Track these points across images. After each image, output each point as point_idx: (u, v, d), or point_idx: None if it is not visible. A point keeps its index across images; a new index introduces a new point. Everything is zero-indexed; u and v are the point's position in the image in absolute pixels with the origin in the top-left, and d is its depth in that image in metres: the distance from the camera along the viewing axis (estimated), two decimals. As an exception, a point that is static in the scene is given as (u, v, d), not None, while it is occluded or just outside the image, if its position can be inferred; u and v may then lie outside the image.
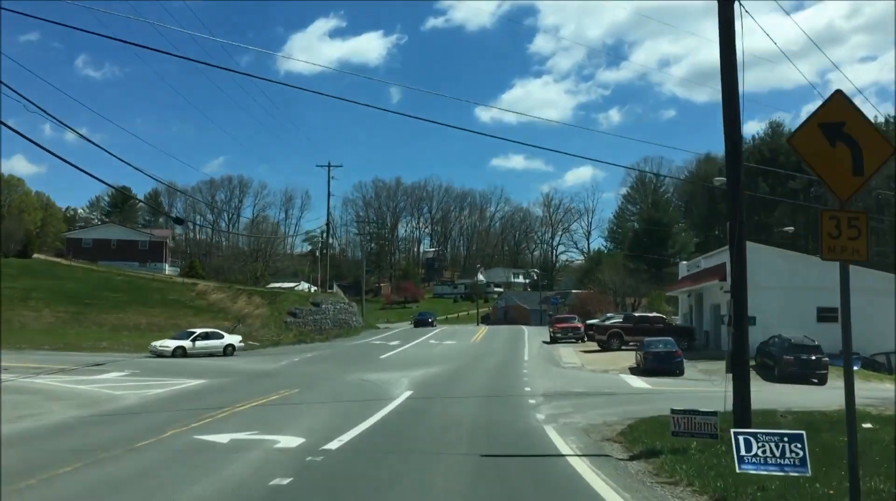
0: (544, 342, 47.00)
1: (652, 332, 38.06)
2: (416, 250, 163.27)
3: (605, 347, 39.84)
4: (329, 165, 71.84)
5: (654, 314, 43.42)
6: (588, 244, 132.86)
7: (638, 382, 26.51)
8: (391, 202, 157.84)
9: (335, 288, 75.99)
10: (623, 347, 39.41)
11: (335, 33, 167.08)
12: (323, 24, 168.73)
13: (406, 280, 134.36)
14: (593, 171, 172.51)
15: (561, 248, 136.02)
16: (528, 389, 23.36)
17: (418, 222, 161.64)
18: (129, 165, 34.82)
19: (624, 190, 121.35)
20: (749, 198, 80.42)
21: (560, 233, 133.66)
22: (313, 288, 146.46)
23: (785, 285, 34.62)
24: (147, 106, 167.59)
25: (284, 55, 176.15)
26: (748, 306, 11.65)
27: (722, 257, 39.38)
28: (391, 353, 40.46)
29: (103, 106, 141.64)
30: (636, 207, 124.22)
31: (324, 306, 60.37)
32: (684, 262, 49.87)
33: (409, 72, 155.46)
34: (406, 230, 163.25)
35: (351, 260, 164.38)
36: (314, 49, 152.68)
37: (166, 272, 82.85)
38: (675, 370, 30.24)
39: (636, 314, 41.55)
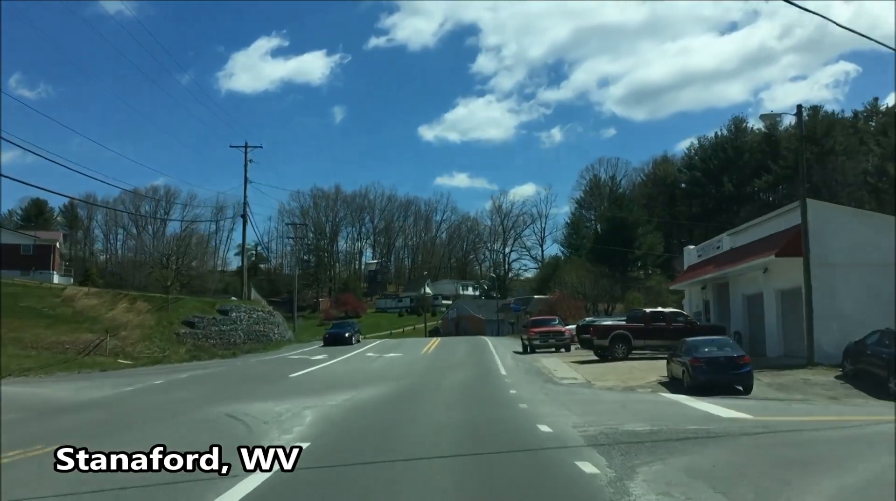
0: (516, 353, 35.89)
1: (671, 333, 27.42)
2: (357, 262, 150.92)
3: (605, 355, 28.87)
4: (245, 146, 59.56)
5: (671, 309, 32.56)
6: (542, 251, 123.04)
7: (716, 408, 15.31)
8: (330, 212, 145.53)
9: (253, 295, 63.01)
10: (631, 354, 28.57)
11: (277, 52, 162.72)
12: (265, 43, 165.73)
13: (346, 293, 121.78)
14: (536, 188, 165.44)
15: (514, 255, 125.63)
16: (544, 427, 11.94)
17: (359, 233, 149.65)
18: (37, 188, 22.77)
19: (578, 194, 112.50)
20: (714, 197, 70.46)
21: (512, 240, 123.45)
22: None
23: (868, 261, 24.19)
24: (87, 125, 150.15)
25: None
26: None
27: (765, 228, 28.92)
28: (308, 370, 28.62)
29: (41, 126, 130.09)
30: (592, 212, 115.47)
31: (234, 314, 47.98)
32: (692, 247, 39.35)
33: (353, 91, 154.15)
34: (347, 242, 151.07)
35: (287, 275, 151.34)
36: (256, 68, 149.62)
37: (55, 281, 68.76)
38: (744, 385, 19.38)
39: (648, 310, 30.61)
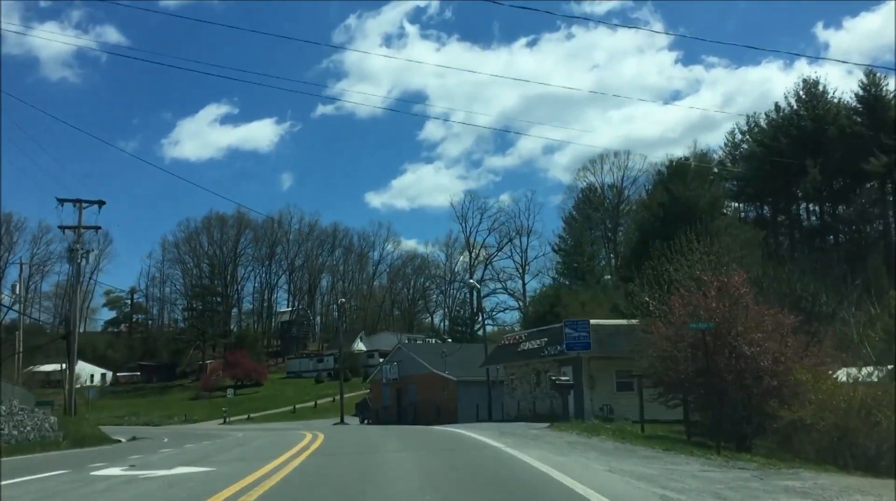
0: None
1: None
2: (266, 311, 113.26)
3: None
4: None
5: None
6: (523, 280, 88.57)
7: None
8: (226, 245, 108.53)
9: None
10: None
11: (226, 119, 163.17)
12: (214, 110, 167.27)
13: (239, 351, 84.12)
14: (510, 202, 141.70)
15: (484, 289, 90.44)
16: None
17: (268, 273, 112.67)
18: None
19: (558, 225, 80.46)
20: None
21: (483, 267, 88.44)
22: (97, 372, 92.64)
23: None
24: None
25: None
26: None
27: None
28: None
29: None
30: (596, 229, 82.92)
31: None
32: None
33: (301, 157, 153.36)
34: (256, 283, 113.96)
35: (171, 329, 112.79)
36: (203, 135, 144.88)
37: None
38: None
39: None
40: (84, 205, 40.96)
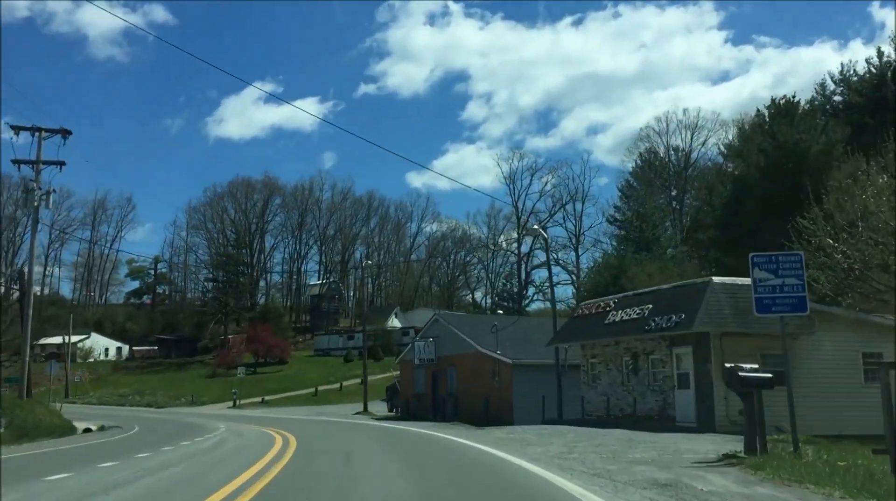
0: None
1: None
2: (296, 284, 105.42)
3: None
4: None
5: None
6: (577, 251, 78.56)
7: None
8: (252, 212, 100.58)
9: None
10: None
11: (270, 98, 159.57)
12: (258, 89, 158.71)
13: (262, 325, 75.96)
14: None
15: (535, 259, 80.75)
16: None
17: (298, 243, 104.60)
18: None
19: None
20: None
21: (533, 239, 78.48)
22: (112, 346, 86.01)
23: None
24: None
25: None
26: None
27: None
28: None
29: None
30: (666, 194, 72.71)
31: None
32: None
33: (343, 136, 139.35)
34: (285, 253, 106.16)
35: (193, 301, 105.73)
36: (248, 114, 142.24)
37: None
38: None
39: None
40: (45, 135, 32.56)
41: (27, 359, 31.79)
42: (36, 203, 31.86)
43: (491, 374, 28.89)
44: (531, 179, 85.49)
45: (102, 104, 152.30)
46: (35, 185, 31.70)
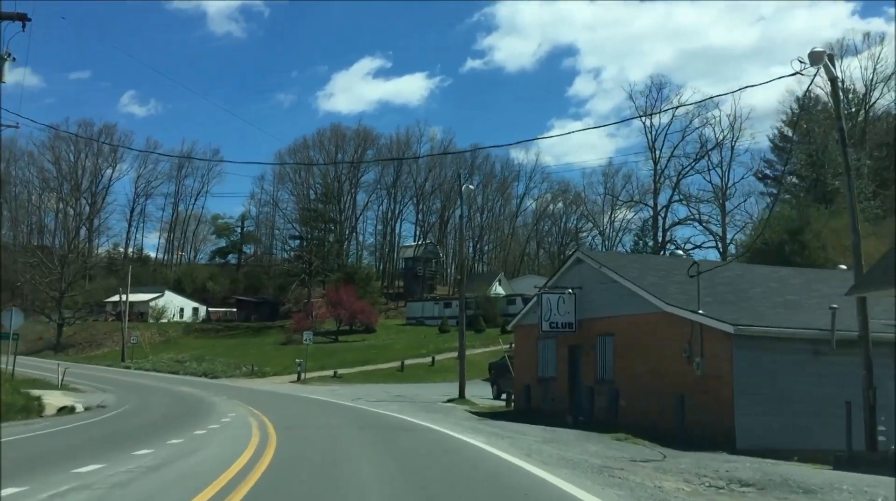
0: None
1: None
2: (389, 245, 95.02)
3: None
4: None
5: None
6: (723, 208, 63.74)
7: None
8: (344, 162, 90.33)
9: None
10: None
11: (378, 73, 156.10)
12: (367, 64, 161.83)
13: (346, 287, 65.58)
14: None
15: (673, 216, 66.63)
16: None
17: (393, 202, 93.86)
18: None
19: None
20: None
21: (673, 190, 64.40)
22: (189, 306, 78.67)
23: None
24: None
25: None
26: None
27: None
28: None
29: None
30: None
31: None
32: None
33: (449, 111, 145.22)
34: (378, 211, 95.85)
35: (280, 261, 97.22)
36: (356, 89, 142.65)
37: None
38: None
39: None
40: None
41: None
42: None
43: (683, 351, 15.98)
44: (671, 120, 71.30)
45: (219, 78, 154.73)
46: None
